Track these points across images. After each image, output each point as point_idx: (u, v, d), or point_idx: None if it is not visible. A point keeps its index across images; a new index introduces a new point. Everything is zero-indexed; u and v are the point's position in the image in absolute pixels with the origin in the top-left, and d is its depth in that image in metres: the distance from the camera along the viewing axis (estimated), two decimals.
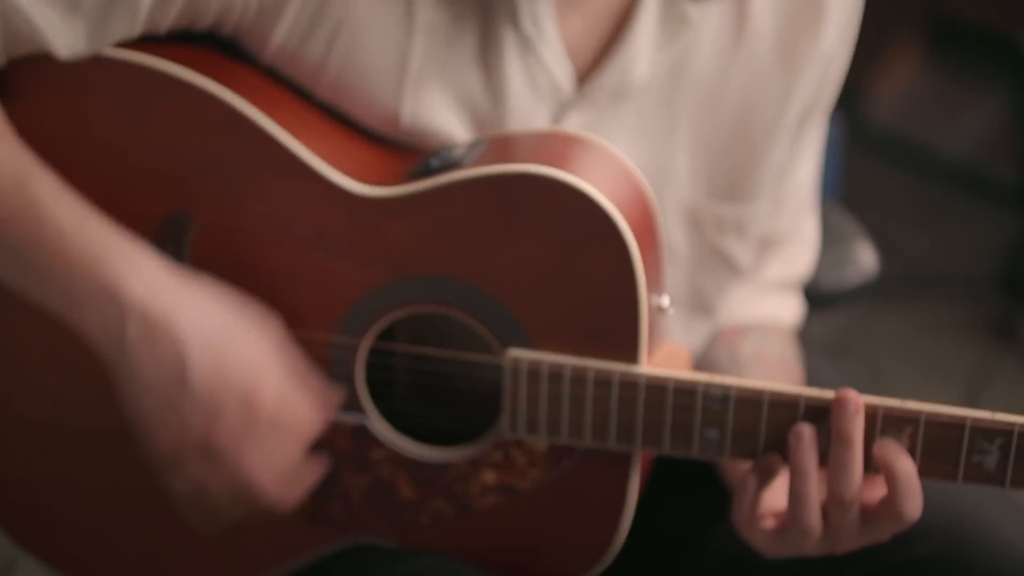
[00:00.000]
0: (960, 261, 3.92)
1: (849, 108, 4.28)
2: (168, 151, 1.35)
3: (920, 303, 3.78)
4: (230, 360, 1.28)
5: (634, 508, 1.37)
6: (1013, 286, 3.77)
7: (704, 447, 1.31)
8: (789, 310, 1.66)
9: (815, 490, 1.28)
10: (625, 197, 1.31)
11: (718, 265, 1.51)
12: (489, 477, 1.38)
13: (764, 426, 1.29)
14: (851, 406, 1.26)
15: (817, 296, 1.86)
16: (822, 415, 1.28)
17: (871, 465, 1.28)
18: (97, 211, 1.31)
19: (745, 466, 1.34)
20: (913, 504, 1.27)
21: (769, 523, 1.33)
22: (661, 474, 1.52)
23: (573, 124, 1.40)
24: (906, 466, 1.27)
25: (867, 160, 4.21)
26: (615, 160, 1.35)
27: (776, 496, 1.35)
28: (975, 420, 1.26)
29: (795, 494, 1.29)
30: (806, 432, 1.28)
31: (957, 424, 1.26)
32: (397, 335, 1.41)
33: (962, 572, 1.49)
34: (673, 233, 1.45)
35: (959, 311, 3.74)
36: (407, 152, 1.38)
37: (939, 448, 1.27)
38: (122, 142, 1.36)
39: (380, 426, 1.39)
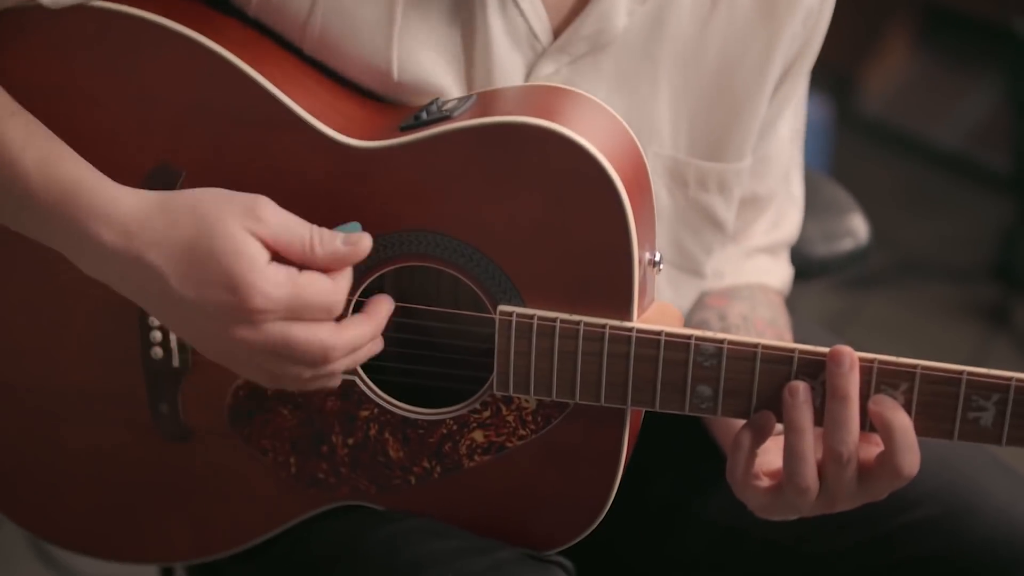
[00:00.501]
0: (953, 248, 3.91)
1: (841, 96, 4.27)
2: (155, 102, 1.33)
3: (913, 290, 3.77)
4: (201, 261, 1.23)
5: (624, 467, 1.35)
6: (1006, 273, 3.76)
7: (696, 404, 1.30)
8: (777, 274, 1.65)
9: (811, 447, 1.27)
10: (617, 150, 1.29)
11: (702, 223, 1.49)
12: (478, 436, 1.36)
13: (757, 382, 1.28)
14: (846, 360, 1.24)
15: (809, 266, 1.85)
16: (816, 371, 1.26)
17: (866, 422, 1.27)
18: (67, 150, 1.30)
19: (738, 426, 1.33)
20: (910, 459, 1.26)
21: (764, 482, 1.32)
22: (651, 445, 1.50)
23: (547, 73, 1.38)
24: (902, 420, 1.25)
25: (859, 148, 4.20)
26: (607, 115, 1.33)
27: (771, 457, 1.33)
28: (971, 375, 1.24)
29: (791, 451, 1.27)
30: (801, 388, 1.26)
31: (953, 379, 1.25)
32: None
33: (956, 538, 1.49)
34: (656, 190, 1.43)
35: (952, 298, 3.73)
36: (397, 108, 1.36)
37: (935, 404, 1.26)
38: (108, 93, 1.34)
39: (368, 384, 1.37)
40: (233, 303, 1.23)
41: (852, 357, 1.25)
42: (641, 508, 1.60)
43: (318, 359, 1.25)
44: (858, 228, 1.97)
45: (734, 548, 1.58)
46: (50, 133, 1.31)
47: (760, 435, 1.29)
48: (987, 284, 3.78)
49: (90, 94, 1.34)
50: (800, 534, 1.49)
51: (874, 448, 1.28)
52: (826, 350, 1.26)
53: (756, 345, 1.27)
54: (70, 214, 1.27)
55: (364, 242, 1.27)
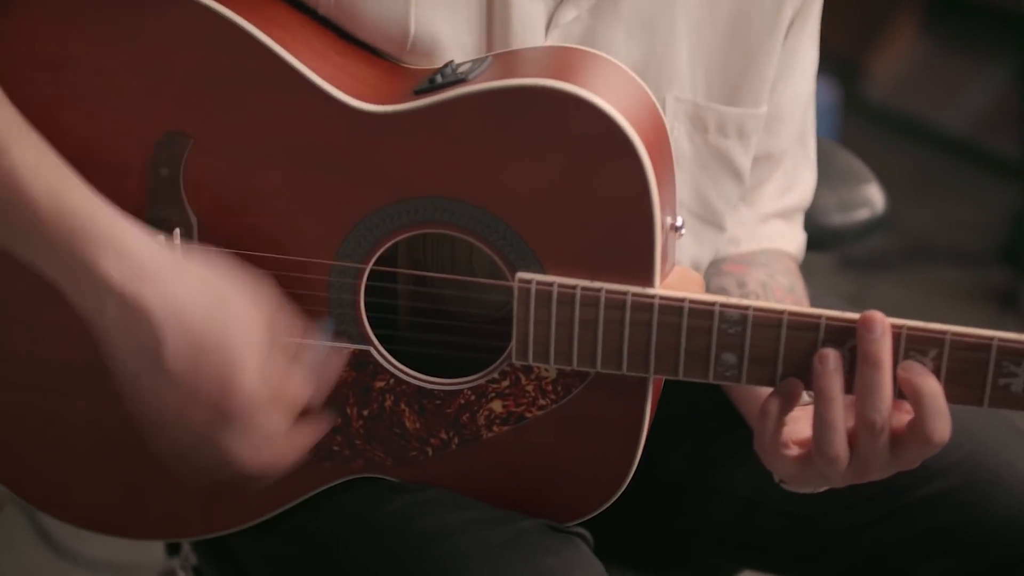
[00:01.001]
0: (961, 233, 3.90)
1: (848, 82, 4.26)
2: (162, 69, 1.31)
3: (922, 275, 3.76)
4: (207, 345, 1.24)
5: (646, 438, 1.33)
6: (1014, 257, 3.76)
7: (720, 372, 1.27)
8: (792, 240, 1.62)
9: (841, 416, 1.24)
10: (638, 113, 1.27)
11: (721, 170, 1.47)
12: (497, 406, 1.33)
13: (783, 349, 1.25)
14: (878, 326, 1.22)
15: (825, 236, 1.82)
16: (843, 338, 1.24)
17: (896, 390, 1.24)
18: (78, 180, 1.26)
19: (763, 396, 1.30)
20: (941, 426, 1.23)
21: (793, 451, 1.29)
22: (666, 417, 1.48)
23: (567, 19, 1.36)
24: (932, 386, 1.22)
25: (867, 134, 4.19)
26: (627, 77, 1.31)
27: (800, 426, 1.30)
28: (1002, 341, 1.22)
29: (821, 420, 1.24)
30: (831, 356, 1.23)
31: (983, 345, 1.22)
32: (398, 266, 1.36)
33: (978, 510, 1.47)
34: (676, 135, 1.41)
35: (960, 282, 3.73)
36: (411, 71, 1.34)
37: (965, 371, 1.23)
38: (115, 61, 1.31)
39: (384, 354, 1.34)
40: (218, 403, 1.24)
41: (884, 322, 1.22)
42: (656, 481, 1.58)
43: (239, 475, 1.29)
44: (874, 198, 1.95)
45: (753, 520, 1.56)
46: (59, 160, 1.27)
47: (788, 403, 1.27)
48: (995, 268, 3.78)
49: (95, 63, 1.32)
50: (820, 506, 1.47)
51: (905, 416, 1.25)
52: (854, 316, 1.23)
53: (782, 312, 1.24)
54: (79, 247, 1.23)
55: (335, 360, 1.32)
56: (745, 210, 1.58)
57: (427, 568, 1.32)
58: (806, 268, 1.66)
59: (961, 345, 1.22)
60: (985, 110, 4.22)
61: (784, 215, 1.62)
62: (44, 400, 1.42)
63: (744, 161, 1.48)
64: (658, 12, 1.39)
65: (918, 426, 1.23)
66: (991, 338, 1.22)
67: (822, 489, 1.34)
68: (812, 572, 1.58)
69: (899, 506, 1.48)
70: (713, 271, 1.54)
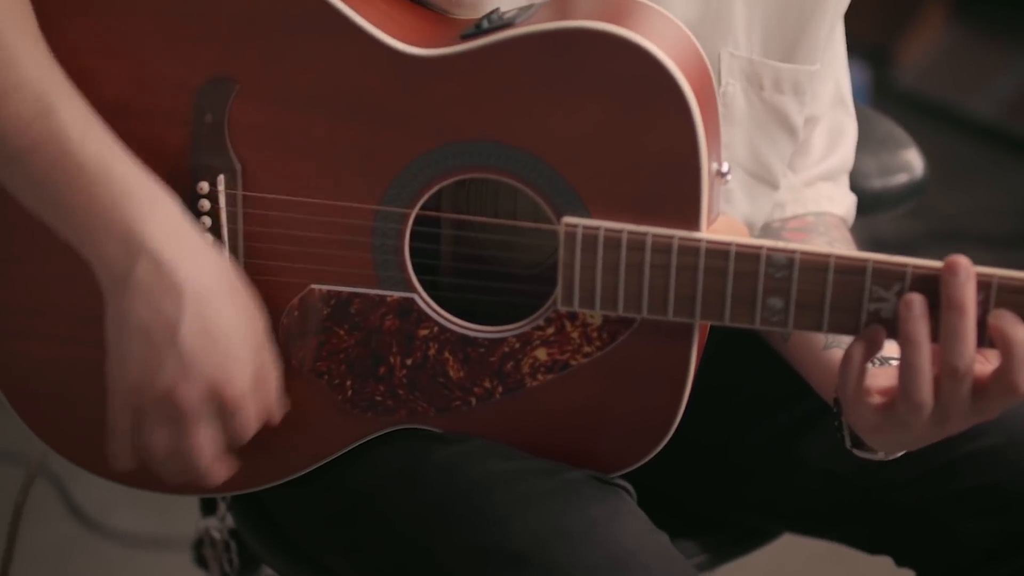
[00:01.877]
0: (989, 218, 3.89)
1: (878, 67, 4.25)
2: (207, 14, 1.31)
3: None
4: (218, 335, 1.27)
5: (692, 385, 1.33)
6: None
7: (767, 317, 1.26)
8: (841, 202, 1.62)
9: (928, 361, 1.23)
10: (684, 58, 1.26)
11: (776, 126, 1.47)
12: (541, 354, 1.33)
13: (830, 294, 1.24)
14: (963, 271, 1.21)
15: (864, 200, 1.81)
16: (889, 282, 1.23)
17: (984, 338, 1.23)
18: (124, 149, 1.28)
19: (832, 366, 1.29)
20: None
21: (876, 399, 1.28)
22: (700, 381, 1.48)
23: None
24: (1022, 335, 1.21)
25: (895, 119, 4.17)
26: (673, 23, 1.31)
27: (880, 380, 1.29)
28: None
29: (908, 365, 1.23)
30: (917, 300, 1.22)
31: None
32: (442, 211, 1.37)
33: (1020, 468, 1.46)
34: (732, 91, 1.41)
35: (989, 266, 3.71)
36: (459, 21, 1.34)
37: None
38: (158, 6, 1.32)
39: (428, 301, 1.34)
40: (211, 389, 1.28)
41: (969, 268, 1.21)
42: (700, 446, 1.58)
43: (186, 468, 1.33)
44: (914, 162, 1.95)
45: (790, 477, 1.56)
46: (106, 128, 1.29)
47: (872, 347, 1.26)
48: (1022, 253, 3.76)
49: (138, 9, 1.32)
50: (859, 465, 1.46)
51: (988, 366, 1.24)
52: (901, 260, 1.23)
53: (829, 255, 1.24)
54: (124, 208, 1.26)
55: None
56: (790, 174, 1.58)
57: (474, 518, 1.32)
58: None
59: (1008, 288, 1.21)
60: (1014, 95, 4.21)
61: (830, 177, 1.62)
62: (83, 352, 1.42)
63: (798, 118, 1.48)
64: None
65: (1004, 375, 1.21)
66: None
67: (896, 453, 1.34)
68: (852, 533, 1.57)
69: (942, 463, 1.47)
70: (771, 237, 1.54)
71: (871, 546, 1.56)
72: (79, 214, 1.27)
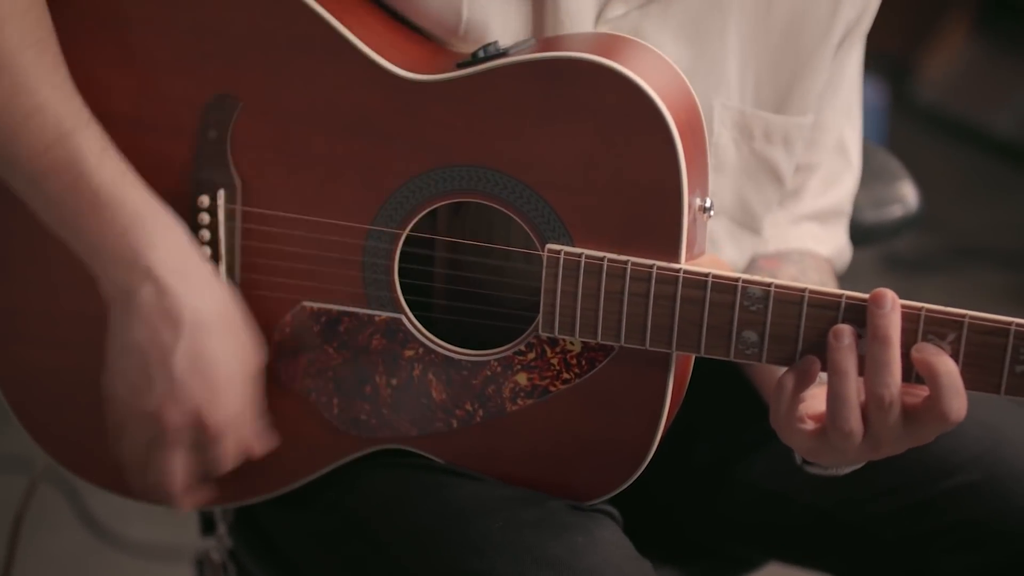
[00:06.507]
0: (1008, 234, 3.89)
1: (898, 83, 4.25)
2: (215, 32, 1.34)
3: (968, 276, 3.75)
4: (211, 363, 1.33)
5: (670, 417, 1.34)
6: None
7: (741, 349, 1.28)
8: (828, 243, 1.62)
9: (854, 390, 1.25)
10: (672, 94, 1.29)
11: (765, 177, 1.48)
12: (522, 379, 1.35)
13: (803, 328, 1.26)
14: (887, 301, 1.23)
15: (858, 233, 1.82)
16: (863, 318, 1.25)
17: (912, 372, 1.25)
18: (136, 176, 1.34)
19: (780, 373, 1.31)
20: (957, 404, 1.23)
21: (809, 425, 1.30)
22: (699, 406, 1.50)
23: (616, 15, 1.38)
24: (947, 365, 1.23)
25: (915, 135, 4.18)
26: (663, 61, 1.33)
27: (816, 402, 1.31)
28: (1020, 327, 1.23)
29: (834, 394, 1.25)
30: (846, 331, 1.24)
31: (1001, 330, 1.23)
32: (436, 234, 1.39)
33: (1001, 503, 1.47)
34: (723, 142, 1.43)
35: (1007, 284, 3.71)
36: (458, 52, 1.37)
37: (982, 356, 1.24)
38: (167, 23, 1.35)
39: (415, 322, 1.36)
40: (196, 412, 1.33)
41: (893, 299, 1.23)
42: (688, 467, 1.59)
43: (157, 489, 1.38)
44: (908, 195, 1.95)
45: (776, 511, 1.57)
46: (119, 155, 1.34)
47: (804, 379, 1.28)
48: None
49: (148, 25, 1.35)
50: (842, 499, 1.48)
51: (921, 395, 1.26)
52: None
53: (804, 289, 1.26)
54: (134, 235, 1.32)
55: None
56: (779, 212, 1.59)
57: (461, 545, 1.34)
58: (851, 267, 1.67)
59: (979, 329, 1.23)
60: None
61: (818, 217, 1.62)
62: (85, 360, 1.45)
63: (788, 168, 1.50)
64: (709, 17, 1.40)
65: (934, 404, 1.24)
66: (1009, 323, 1.23)
67: (844, 470, 1.36)
68: (835, 564, 1.59)
69: (921, 499, 1.49)
70: (748, 267, 1.55)
71: None
72: (91, 236, 1.32)
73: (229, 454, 1.36)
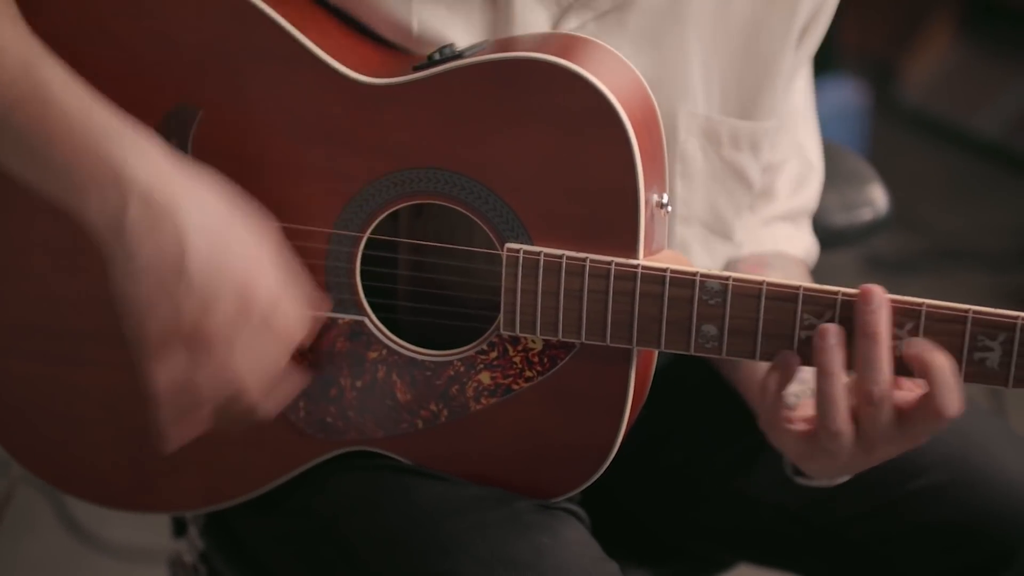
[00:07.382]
0: (991, 236, 3.89)
1: (881, 85, 4.26)
2: (174, 42, 1.35)
3: (951, 278, 3.75)
4: (229, 251, 1.26)
5: (634, 413, 1.35)
6: None
7: (701, 343, 1.29)
8: (799, 243, 1.63)
9: (841, 390, 1.25)
10: (627, 92, 1.29)
11: (734, 183, 1.48)
12: (485, 378, 1.36)
13: (762, 321, 1.27)
14: (876, 299, 1.23)
15: (828, 236, 1.83)
16: (821, 311, 1.25)
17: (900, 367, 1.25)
18: (104, 99, 1.29)
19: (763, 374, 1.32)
20: (952, 400, 1.23)
21: (799, 427, 1.30)
22: (668, 408, 1.50)
23: (571, 28, 1.38)
24: (941, 360, 1.23)
25: (899, 137, 4.19)
26: (619, 60, 1.34)
27: (809, 408, 1.31)
28: (977, 313, 1.24)
29: (822, 395, 1.25)
30: (832, 330, 1.24)
31: (959, 317, 1.24)
32: (398, 237, 1.39)
33: (964, 506, 1.48)
34: (690, 149, 1.43)
35: (990, 286, 3.71)
36: (415, 56, 1.37)
37: (940, 344, 1.24)
38: (127, 32, 1.35)
39: (377, 324, 1.37)
40: (239, 305, 1.25)
41: (882, 296, 1.23)
42: (656, 469, 1.60)
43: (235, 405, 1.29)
44: (877, 198, 1.95)
45: (744, 513, 1.58)
46: (84, 83, 1.29)
47: (784, 375, 1.28)
48: (1022, 272, 3.76)
49: (110, 33, 1.35)
50: (810, 500, 1.48)
51: (912, 392, 1.26)
52: (832, 289, 1.25)
53: (761, 283, 1.26)
54: (107, 149, 1.25)
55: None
56: (748, 215, 1.60)
57: (427, 546, 1.35)
58: (833, 269, 1.67)
59: (937, 317, 1.24)
60: (1018, 113, 4.21)
61: (789, 217, 1.63)
62: (57, 370, 1.45)
63: (756, 173, 1.50)
64: (666, 25, 1.40)
65: (930, 400, 1.23)
66: (966, 310, 1.24)
67: (836, 480, 1.36)
68: (803, 565, 1.60)
69: (887, 500, 1.49)
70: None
71: None
72: (65, 165, 1.26)
73: (293, 316, 1.28)
